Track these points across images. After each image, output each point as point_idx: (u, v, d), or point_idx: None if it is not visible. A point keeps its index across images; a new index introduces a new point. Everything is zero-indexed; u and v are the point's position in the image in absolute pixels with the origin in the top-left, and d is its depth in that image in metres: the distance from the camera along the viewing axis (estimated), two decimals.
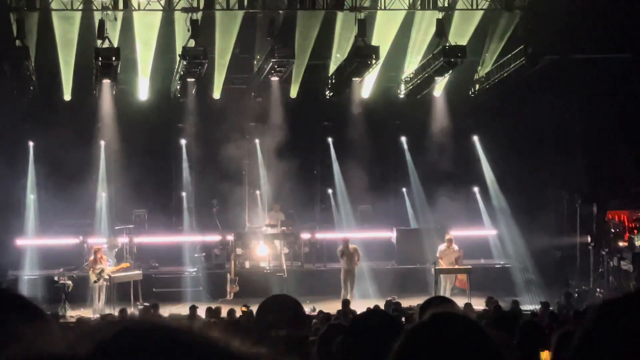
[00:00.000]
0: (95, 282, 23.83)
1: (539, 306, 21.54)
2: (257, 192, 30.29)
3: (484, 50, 29.50)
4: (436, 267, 24.69)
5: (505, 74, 28.41)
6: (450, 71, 27.47)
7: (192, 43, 25.71)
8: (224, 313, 18.74)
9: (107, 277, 23.86)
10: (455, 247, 25.46)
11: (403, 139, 31.59)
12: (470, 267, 25.41)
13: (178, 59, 27.30)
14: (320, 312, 19.33)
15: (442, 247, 25.51)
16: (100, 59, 25.44)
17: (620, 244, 25.85)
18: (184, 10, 25.87)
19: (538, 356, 7.63)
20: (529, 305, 23.73)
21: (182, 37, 26.82)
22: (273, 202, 29.59)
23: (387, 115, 30.63)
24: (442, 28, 26.59)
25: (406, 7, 26.85)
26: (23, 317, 1.70)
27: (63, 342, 1.26)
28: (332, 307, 21.02)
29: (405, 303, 21.12)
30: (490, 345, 2.40)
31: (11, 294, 1.84)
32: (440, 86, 30.47)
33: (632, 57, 28.17)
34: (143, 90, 29.51)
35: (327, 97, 30.84)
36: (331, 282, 26.32)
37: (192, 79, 28.49)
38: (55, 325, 1.86)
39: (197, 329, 1.29)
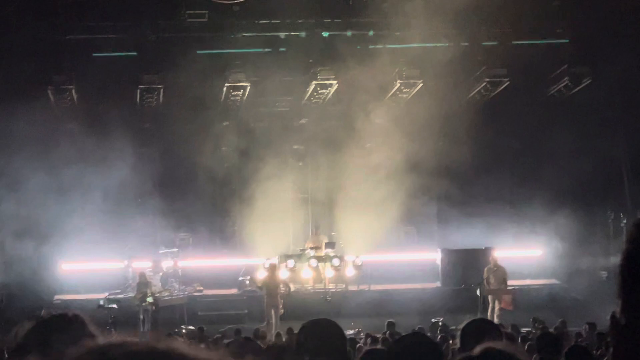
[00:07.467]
0: (138, 306, 23.92)
1: (586, 326, 21.30)
2: (302, 214, 30.26)
3: None
4: (481, 288, 24.51)
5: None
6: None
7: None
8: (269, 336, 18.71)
9: (151, 301, 23.95)
10: (503, 266, 25.24)
11: None
12: (515, 288, 25.20)
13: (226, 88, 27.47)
14: (368, 334, 19.23)
15: (489, 266, 25.31)
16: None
17: None
18: None
19: None
20: (575, 327, 23.47)
21: None
22: (314, 225, 29.57)
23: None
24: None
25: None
26: None
27: None
28: (378, 329, 20.89)
29: (452, 324, 20.95)
30: None
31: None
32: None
33: None
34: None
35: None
36: (376, 304, 26.23)
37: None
38: None
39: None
